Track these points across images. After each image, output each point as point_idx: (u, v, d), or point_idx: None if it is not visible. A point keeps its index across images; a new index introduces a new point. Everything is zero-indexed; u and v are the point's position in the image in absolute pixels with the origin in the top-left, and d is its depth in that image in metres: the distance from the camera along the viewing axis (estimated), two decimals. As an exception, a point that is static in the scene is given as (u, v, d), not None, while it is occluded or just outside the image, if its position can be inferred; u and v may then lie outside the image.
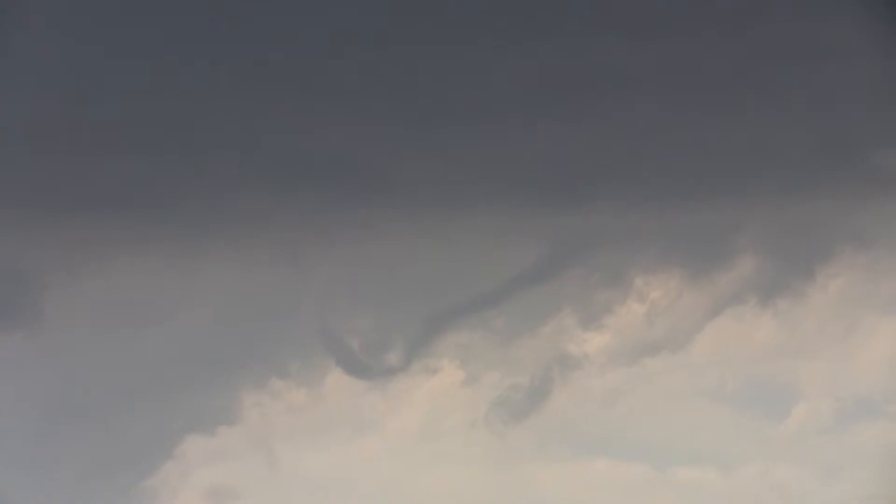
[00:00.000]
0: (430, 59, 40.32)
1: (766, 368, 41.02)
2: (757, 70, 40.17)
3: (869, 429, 39.63)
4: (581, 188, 41.12)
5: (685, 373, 40.94)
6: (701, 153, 40.75)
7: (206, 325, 41.51)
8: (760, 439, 39.86)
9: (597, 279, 42.10)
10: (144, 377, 40.13)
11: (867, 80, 39.53)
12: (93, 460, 39.72)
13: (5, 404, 39.23)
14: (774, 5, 39.90)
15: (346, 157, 40.42)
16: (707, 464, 39.34)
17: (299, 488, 40.21)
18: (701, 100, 40.51)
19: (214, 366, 41.03)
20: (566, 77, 40.12)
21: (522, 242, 42.08)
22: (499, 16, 39.98)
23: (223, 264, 40.72)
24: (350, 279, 42.20)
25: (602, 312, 41.85)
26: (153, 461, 39.88)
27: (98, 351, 40.62)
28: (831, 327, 41.76)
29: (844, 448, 39.58)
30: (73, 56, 39.61)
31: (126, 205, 39.99)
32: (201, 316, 41.57)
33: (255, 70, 39.86)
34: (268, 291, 41.45)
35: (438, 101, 40.24)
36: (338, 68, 40.26)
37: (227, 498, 40.29)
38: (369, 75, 40.14)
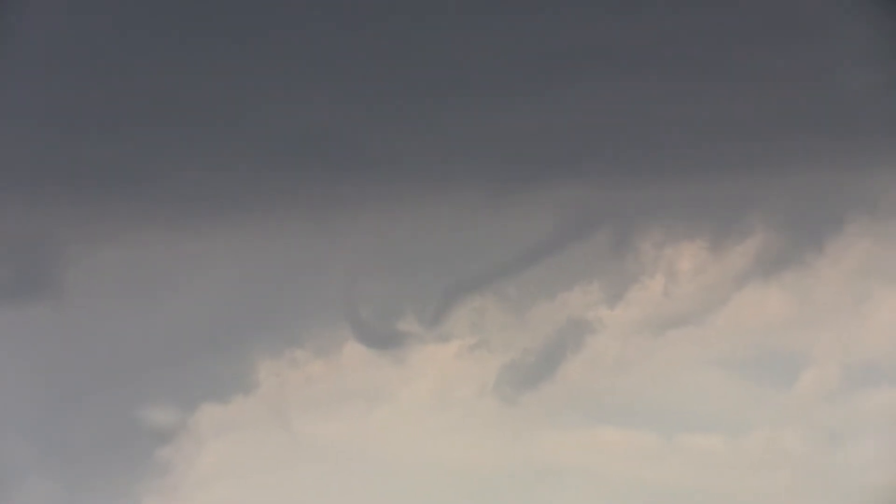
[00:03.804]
0: (436, 39, 41.41)
1: (776, 338, 41.79)
2: (762, 41, 40.82)
3: (876, 395, 40.31)
4: (595, 161, 42.01)
5: (695, 343, 41.62)
6: (712, 125, 41.57)
7: (223, 296, 42.42)
8: (768, 406, 40.67)
9: (611, 250, 42.85)
10: (162, 346, 41.07)
11: (873, 49, 40.15)
12: (108, 429, 40.87)
13: (24, 374, 40.41)
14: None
15: (362, 134, 41.47)
16: (714, 431, 40.12)
17: (314, 457, 41.12)
18: (708, 73, 41.19)
19: (231, 336, 41.97)
20: (574, 50, 41.00)
21: (538, 214, 43.00)
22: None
23: (240, 237, 41.73)
24: (366, 251, 43.16)
25: (615, 283, 42.64)
26: (168, 430, 40.96)
27: (116, 321, 41.68)
28: (841, 297, 42.41)
29: (852, 414, 40.30)
30: (88, 34, 40.83)
31: (145, 177, 41.15)
32: (218, 286, 42.50)
33: (276, 50, 40.93)
34: (285, 263, 42.42)
35: (445, 79, 41.33)
36: (349, 52, 41.33)
37: (241, 467, 41.24)
38: (382, 58, 41.28)
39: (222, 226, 41.83)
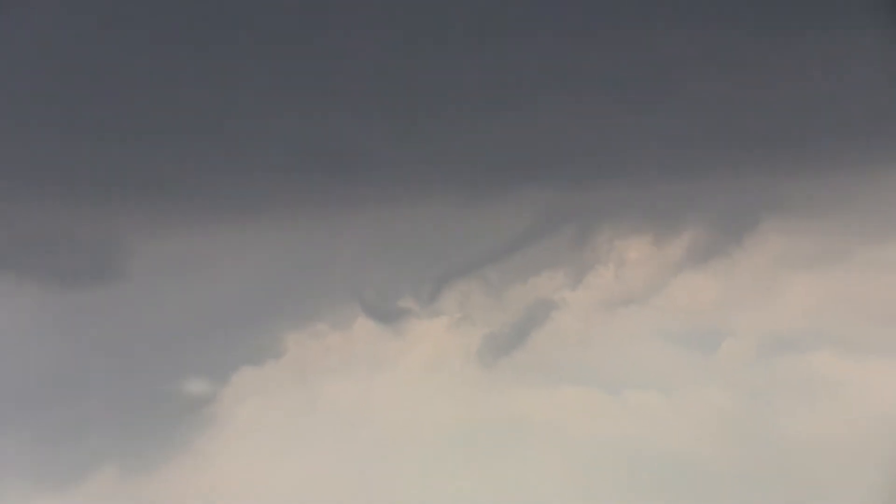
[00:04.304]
0: (429, 72, 45.99)
1: (703, 314, 46.95)
2: (691, 71, 46.12)
3: (785, 361, 45.66)
4: (559, 171, 47.13)
5: (639, 318, 46.27)
6: (653, 140, 46.58)
7: (256, 280, 46.69)
8: (697, 369, 45.78)
9: (572, 244, 47.78)
10: (207, 321, 45.63)
11: (790, 72, 45.39)
12: (164, 389, 45.16)
13: (99, 343, 45.31)
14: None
15: (367, 148, 45.74)
16: (653, 389, 45.08)
17: (330, 411, 45.69)
18: (650, 98, 46.28)
19: (263, 312, 46.56)
20: (541, 80, 45.62)
21: (513, 214, 47.32)
22: (474, 28, 46.33)
23: (271, 232, 45.48)
24: (372, 243, 47.48)
25: (575, 270, 47.29)
26: (212, 389, 45.79)
27: (170, 301, 45.89)
28: (756, 281, 47.53)
29: (765, 376, 45.62)
30: (154, 51, 45.67)
31: (192, 184, 45.39)
32: (253, 272, 46.59)
33: (298, 77, 46.23)
34: (306, 253, 46.59)
35: (435, 102, 45.35)
36: (355, 80, 45.86)
37: (271, 419, 45.84)
38: (381, 85, 46.05)
39: (256, 223, 46.01)
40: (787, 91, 46.91)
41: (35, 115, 45.98)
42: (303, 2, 47.10)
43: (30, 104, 45.49)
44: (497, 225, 48.62)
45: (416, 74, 46.18)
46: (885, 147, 47.75)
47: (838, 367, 47.00)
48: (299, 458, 45.20)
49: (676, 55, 46.28)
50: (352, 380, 46.81)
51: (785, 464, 42.79)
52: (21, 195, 47.08)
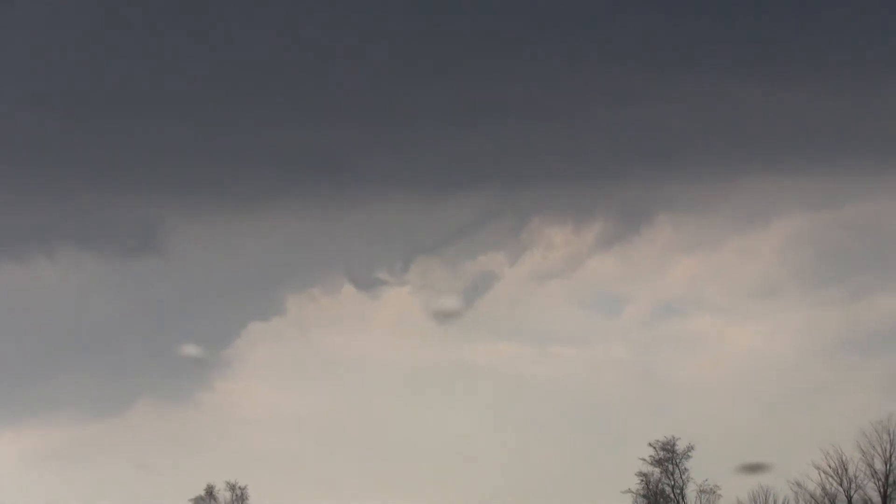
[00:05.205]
0: (403, 101, 59.24)
1: (610, 286, 59.10)
2: (605, 97, 59.18)
3: (671, 323, 57.78)
4: (500, 176, 60.36)
5: (562, 289, 58.95)
6: (569, 156, 60.19)
7: (268, 256, 59.59)
8: (605, 329, 57.15)
9: (510, 231, 60.63)
10: (228, 286, 58.16)
11: (675, 104, 58.87)
12: (193, 338, 57.08)
13: (143, 301, 57.06)
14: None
15: (355, 158, 59.38)
16: (571, 344, 55.87)
17: (323, 357, 57.48)
18: (571, 124, 59.67)
19: (271, 280, 59.08)
20: (494, 106, 59.26)
21: (465, 207, 60.59)
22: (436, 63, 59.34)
23: (279, 220, 59.11)
24: (357, 228, 59.73)
25: (513, 251, 60.25)
26: (229, 339, 57.20)
27: (200, 270, 58.51)
28: (651, 261, 59.98)
29: (656, 334, 57.25)
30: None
31: (220, 182, 59.06)
32: (265, 250, 59.79)
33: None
34: (307, 236, 59.78)
35: (405, 125, 58.99)
36: (348, 107, 59.47)
37: (277, 363, 57.12)
38: (369, 113, 59.06)
39: (267, 213, 59.35)
40: (675, 118, 60.40)
41: (103, 131, 58.02)
42: (315, 53, 60.31)
43: (103, 121, 57.24)
44: (452, 216, 61.53)
45: (393, 107, 59.48)
46: (748, 162, 60.39)
47: (711, 327, 58.85)
48: (298, 392, 56.68)
49: (586, 89, 59.09)
50: (338, 332, 58.96)
51: (669, 399, 53.21)
52: (86, 188, 59.32)
